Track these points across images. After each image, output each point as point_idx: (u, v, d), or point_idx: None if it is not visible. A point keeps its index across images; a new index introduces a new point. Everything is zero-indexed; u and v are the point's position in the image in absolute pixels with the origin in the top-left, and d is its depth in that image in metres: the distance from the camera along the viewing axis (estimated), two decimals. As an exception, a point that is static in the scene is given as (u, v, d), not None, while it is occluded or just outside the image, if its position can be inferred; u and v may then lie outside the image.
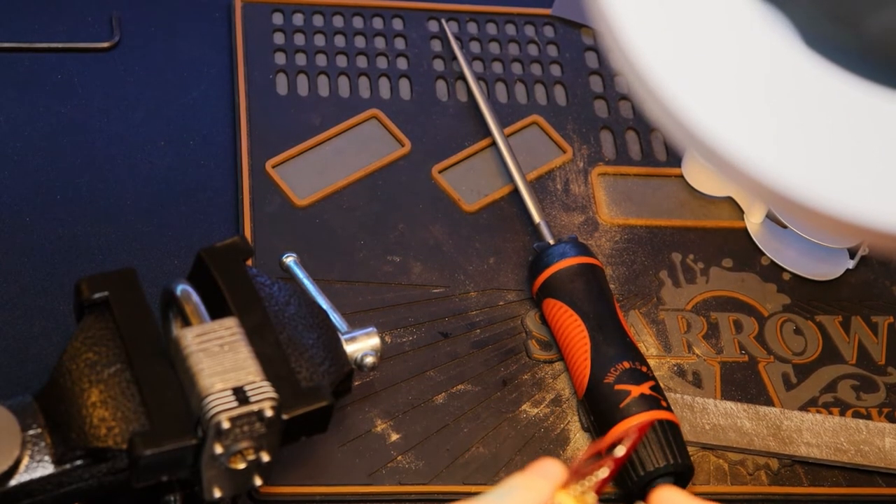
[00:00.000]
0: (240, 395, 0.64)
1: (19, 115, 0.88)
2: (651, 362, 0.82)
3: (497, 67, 0.96)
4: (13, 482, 0.65)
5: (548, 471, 0.58)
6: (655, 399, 0.77)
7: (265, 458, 0.65)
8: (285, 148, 0.89)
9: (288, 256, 0.79)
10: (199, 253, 0.70)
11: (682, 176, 0.92)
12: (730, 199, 0.91)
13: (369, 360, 0.72)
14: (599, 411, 0.78)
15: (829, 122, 0.43)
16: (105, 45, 0.92)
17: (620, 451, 0.58)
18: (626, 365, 0.78)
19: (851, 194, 0.41)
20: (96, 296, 0.68)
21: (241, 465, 0.65)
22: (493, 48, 0.96)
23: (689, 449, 0.78)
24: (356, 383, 0.75)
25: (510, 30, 0.98)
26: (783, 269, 0.89)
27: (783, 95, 0.43)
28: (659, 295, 0.87)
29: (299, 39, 0.94)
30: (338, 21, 0.96)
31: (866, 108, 0.42)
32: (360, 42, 0.95)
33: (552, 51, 0.97)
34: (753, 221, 0.90)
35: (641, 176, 0.92)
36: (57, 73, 0.91)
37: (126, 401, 0.65)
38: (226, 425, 0.63)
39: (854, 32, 0.43)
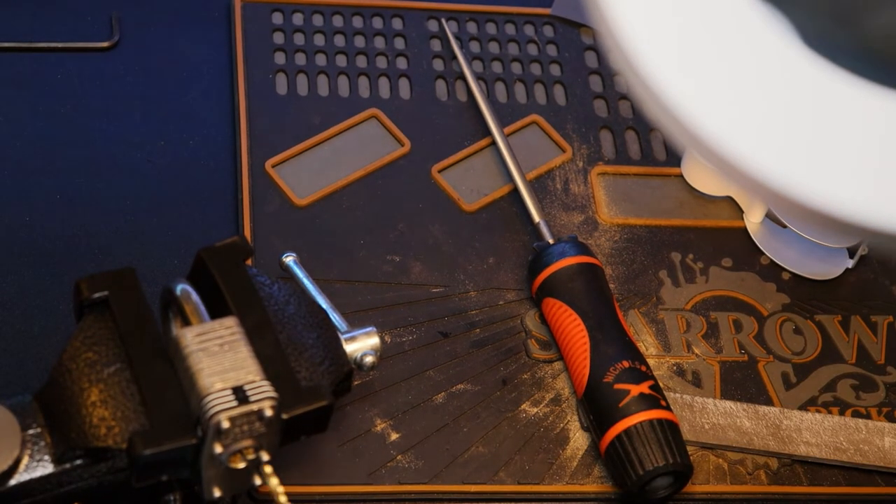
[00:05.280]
0: (239, 394, 0.64)
1: (19, 115, 0.88)
2: (650, 362, 0.82)
3: (497, 67, 0.96)
4: (13, 482, 0.65)
5: None
6: (655, 398, 0.77)
7: (265, 457, 0.66)
8: (285, 148, 0.89)
9: (288, 256, 0.79)
10: (199, 253, 0.70)
11: (681, 176, 0.92)
12: (730, 199, 0.91)
13: (369, 359, 0.72)
14: (599, 410, 0.78)
15: (829, 122, 0.43)
16: (105, 45, 0.92)
17: None
18: (626, 364, 0.78)
19: (851, 193, 0.41)
20: (96, 296, 0.68)
21: (241, 465, 0.65)
22: (493, 48, 0.97)
23: (689, 448, 0.78)
24: (356, 383, 0.75)
25: (510, 29, 0.98)
26: (783, 269, 0.89)
27: (783, 95, 0.43)
28: (658, 294, 0.87)
29: (299, 39, 0.95)
30: (337, 21, 0.96)
31: (866, 108, 0.42)
32: (359, 42, 0.95)
33: (552, 50, 0.97)
34: (753, 221, 0.90)
35: (641, 176, 0.92)
36: (57, 73, 0.91)
37: (126, 400, 0.65)
38: (225, 425, 0.63)
39: (854, 32, 0.43)
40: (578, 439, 0.80)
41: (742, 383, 0.84)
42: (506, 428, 0.80)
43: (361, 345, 0.73)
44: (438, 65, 0.95)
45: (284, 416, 0.65)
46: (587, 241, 0.87)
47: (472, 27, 0.97)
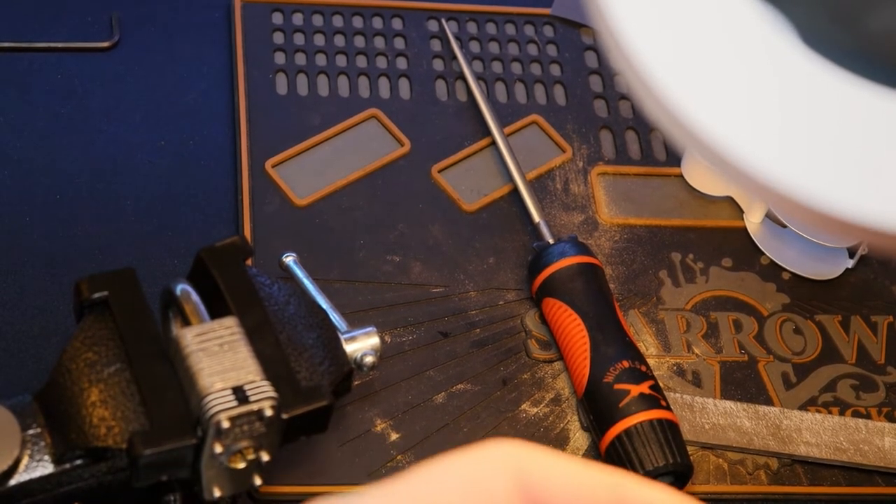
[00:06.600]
0: (239, 394, 0.64)
1: (19, 115, 0.88)
2: (651, 362, 0.82)
3: (497, 67, 0.96)
4: (13, 482, 0.65)
5: None
6: (655, 398, 0.77)
7: (265, 457, 0.65)
8: (285, 148, 0.89)
9: (288, 256, 0.79)
10: (199, 253, 0.70)
11: (681, 176, 0.92)
12: (730, 199, 0.91)
13: (369, 359, 0.72)
14: (599, 410, 0.78)
15: (829, 122, 0.43)
16: (105, 44, 0.92)
17: None
18: (626, 364, 0.78)
19: (851, 193, 0.41)
20: (96, 296, 0.68)
21: (241, 465, 0.65)
22: (493, 48, 0.96)
23: (689, 448, 0.78)
24: (356, 383, 0.75)
25: (510, 29, 0.98)
26: (783, 269, 0.89)
27: (782, 95, 0.43)
28: (658, 294, 0.87)
29: (299, 39, 0.95)
30: (337, 21, 0.96)
31: (866, 108, 0.42)
32: (359, 42, 0.95)
33: (552, 50, 0.97)
34: (753, 221, 0.90)
35: (641, 175, 0.92)
36: (57, 73, 0.91)
37: (126, 400, 0.65)
38: (226, 425, 0.63)
39: (854, 32, 0.43)
40: (578, 439, 0.80)
41: (742, 383, 0.84)
42: (506, 428, 0.80)
43: (361, 345, 0.73)
44: (438, 65, 0.95)
45: (284, 416, 0.65)
46: (587, 241, 0.87)
47: (472, 27, 0.97)
